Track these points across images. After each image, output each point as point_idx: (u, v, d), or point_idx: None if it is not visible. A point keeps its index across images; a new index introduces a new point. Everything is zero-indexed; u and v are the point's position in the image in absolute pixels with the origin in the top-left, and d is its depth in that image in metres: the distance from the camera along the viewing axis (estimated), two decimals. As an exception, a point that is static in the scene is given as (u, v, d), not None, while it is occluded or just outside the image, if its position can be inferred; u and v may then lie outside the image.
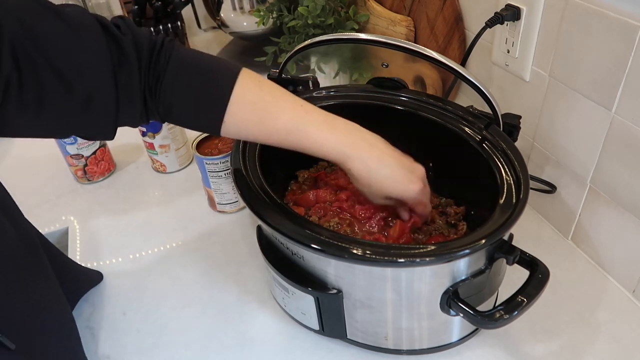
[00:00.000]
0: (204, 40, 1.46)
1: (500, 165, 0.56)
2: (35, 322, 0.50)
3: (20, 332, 0.47)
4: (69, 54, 0.43)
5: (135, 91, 0.48)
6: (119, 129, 0.50)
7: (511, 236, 0.52)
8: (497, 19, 0.69)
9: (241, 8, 1.18)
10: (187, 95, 0.50)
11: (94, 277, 0.71)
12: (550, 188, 0.70)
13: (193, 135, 0.78)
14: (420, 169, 0.57)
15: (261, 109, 0.52)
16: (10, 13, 0.40)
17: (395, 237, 0.60)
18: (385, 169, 0.54)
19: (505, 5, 0.69)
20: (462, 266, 0.49)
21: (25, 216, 0.59)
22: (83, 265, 0.72)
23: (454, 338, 0.57)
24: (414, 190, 0.55)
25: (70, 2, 1.27)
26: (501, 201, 0.51)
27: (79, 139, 0.84)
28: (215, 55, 1.14)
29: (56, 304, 0.54)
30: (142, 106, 0.49)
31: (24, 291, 0.49)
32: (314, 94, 0.70)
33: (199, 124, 0.54)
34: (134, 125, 0.52)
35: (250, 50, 1.27)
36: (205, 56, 0.52)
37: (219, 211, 0.81)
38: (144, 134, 0.87)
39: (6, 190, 0.57)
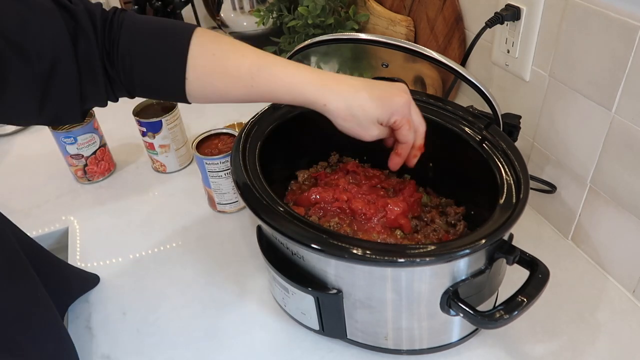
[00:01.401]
0: (204, 40, 1.46)
1: (500, 165, 0.56)
2: (12, 324, 0.49)
3: None
4: (25, 28, 0.43)
5: (95, 60, 0.47)
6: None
7: (511, 236, 0.52)
8: (497, 19, 0.69)
9: (241, 8, 1.18)
10: (145, 57, 0.49)
11: (89, 280, 0.70)
12: (550, 188, 0.70)
13: (193, 135, 0.78)
14: (401, 84, 0.55)
15: (222, 56, 0.50)
16: None
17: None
18: (362, 92, 0.52)
19: (505, 5, 0.69)
20: (462, 266, 0.49)
21: (25, 216, 0.59)
22: (82, 266, 0.72)
23: (454, 338, 0.57)
24: (401, 102, 0.53)
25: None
26: (501, 201, 0.51)
27: (79, 138, 0.84)
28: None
29: (37, 306, 0.53)
30: (104, 76, 0.48)
31: None
32: (314, 94, 0.70)
33: (164, 87, 0.52)
34: (101, 103, 0.51)
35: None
36: (157, 19, 0.51)
37: (219, 211, 0.81)
38: (144, 134, 0.87)
39: None
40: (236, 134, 0.75)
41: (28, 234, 0.61)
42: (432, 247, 0.47)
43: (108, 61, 0.48)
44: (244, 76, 0.51)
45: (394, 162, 0.58)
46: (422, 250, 0.46)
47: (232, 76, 0.51)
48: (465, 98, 0.89)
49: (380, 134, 0.55)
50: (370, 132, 0.54)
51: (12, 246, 0.52)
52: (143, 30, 0.49)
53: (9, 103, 0.45)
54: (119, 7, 0.50)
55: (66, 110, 0.48)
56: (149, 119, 0.84)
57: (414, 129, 0.56)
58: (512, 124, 0.62)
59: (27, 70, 0.43)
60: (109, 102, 0.52)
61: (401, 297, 0.50)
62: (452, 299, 0.49)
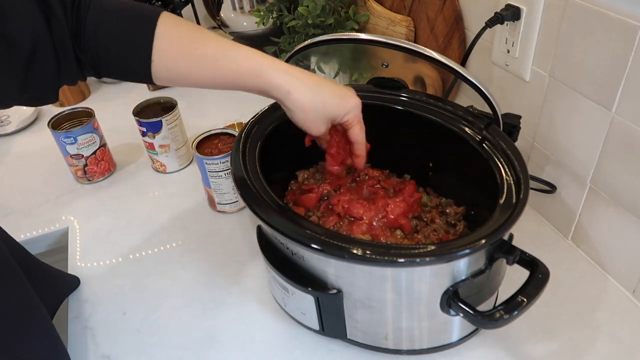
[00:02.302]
0: (204, 40, 1.46)
1: (500, 165, 0.56)
2: (4, 329, 0.49)
3: None
4: (4, 12, 0.44)
5: (67, 41, 0.48)
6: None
7: (511, 236, 0.52)
8: (497, 19, 0.69)
9: (241, 8, 1.18)
10: (111, 38, 0.50)
11: (72, 282, 0.70)
12: (550, 188, 0.70)
13: (193, 135, 0.78)
14: (351, 88, 0.58)
15: (188, 40, 0.51)
16: None
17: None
18: (325, 87, 0.54)
19: (505, 5, 0.69)
20: (462, 266, 0.49)
21: (25, 216, 0.59)
22: (82, 266, 0.72)
23: (454, 338, 0.57)
24: (354, 103, 0.56)
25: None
26: (501, 201, 0.51)
27: (79, 138, 0.84)
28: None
29: (28, 311, 0.53)
30: (74, 58, 0.49)
31: None
32: (314, 94, 0.70)
33: (130, 68, 0.52)
34: (72, 82, 0.52)
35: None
36: (124, 1, 0.52)
37: (219, 211, 0.81)
38: (144, 134, 0.87)
39: None
40: (236, 134, 0.75)
41: (28, 234, 0.61)
42: (432, 247, 0.47)
43: (76, 43, 0.49)
44: (209, 60, 0.51)
45: (358, 162, 0.61)
46: (422, 250, 0.46)
47: (197, 59, 0.51)
48: (465, 98, 0.89)
49: (326, 131, 0.57)
50: (320, 128, 0.56)
51: (2, 250, 0.51)
52: (110, 12, 0.50)
53: None
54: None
55: (45, 91, 0.50)
56: (149, 119, 0.84)
57: (362, 127, 0.58)
58: (512, 124, 0.62)
59: (9, 53, 0.44)
60: (79, 82, 0.53)
61: (401, 297, 0.50)
62: (452, 299, 0.49)
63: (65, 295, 0.68)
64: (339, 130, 0.60)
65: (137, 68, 0.51)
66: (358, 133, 0.58)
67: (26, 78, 0.47)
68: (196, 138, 0.78)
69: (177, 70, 0.52)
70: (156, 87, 1.15)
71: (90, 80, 1.15)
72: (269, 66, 0.52)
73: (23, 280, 0.53)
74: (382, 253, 0.46)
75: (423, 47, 0.60)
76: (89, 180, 0.90)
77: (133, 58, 0.51)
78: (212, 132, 0.80)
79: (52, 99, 0.51)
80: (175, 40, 0.51)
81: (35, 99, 0.51)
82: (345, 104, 0.55)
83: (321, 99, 0.53)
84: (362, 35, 0.66)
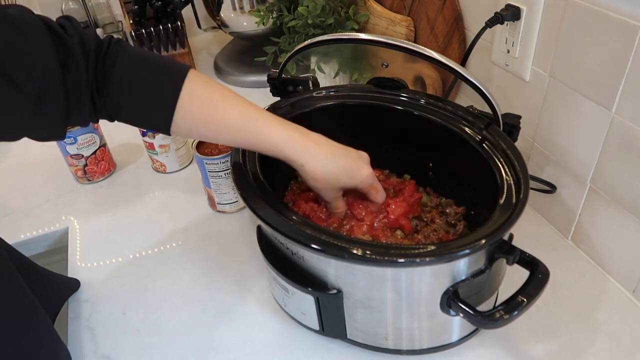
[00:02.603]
0: (204, 40, 1.46)
1: (500, 165, 0.56)
2: (3, 335, 0.49)
3: None
4: (15, 56, 0.43)
5: (83, 90, 0.48)
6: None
7: (511, 236, 0.52)
8: (497, 19, 0.69)
9: (241, 8, 1.18)
10: (135, 92, 0.50)
11: (71, 285, 0.70)
12: (550, 188, 0.70)
13: (193, 135, 0.78)
14: (364, 155, 0.59)
15: (211, 105, 0.52)
16: None
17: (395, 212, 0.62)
18: (338, 160, 0.56)
19: (505, 5, 0.69)
20: (462, 266, 0.49)
21: (25, 216, 0.59)
22: (82, 266, 0.72)
23: (454, 338, 0.57)
24: (366, 175, 0.58)
25: (70, 4, 1.27)
26: (501, 201, 0.51)
27: (79, 138, 0.84)
28: (216, 55, 1.14)
29: (28, 315, 0.53)
30: (90, 106, 0.49)
31: None
32: (314, 94, 0.70)
33: (149, 123, 0.54)
34: (84, 125, 0.52)
35: (250, 50, 1.27)
36: (152, 55, 0.52)
37: (219, 211, 0.81)
38: (144, 134, 0.87)
39: None
40: (236, 134, 0.75)
41: (28, 234, 0.61)
42: (432, 247, 0.47)
43: (97, 92, 0.49)
44: (229, 127, 0.53)
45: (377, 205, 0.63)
46: (422, 251, 0.46)
47: (218, 125, 0.53)
48: (465, 98, 0.89)
49: (337, 196, 0.60)
50: (331, 195, 0.59)
51: (1, 254, 0.51)
52: (138, 67, 0.50)
53: None
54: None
55: (50, 133, 0.49)
56: (149, 119, 0.84)
57: (381, 192, 0.61)
58: (512, 124, 0.62)
59: (15, 97, 0.43)
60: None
61: (401, 297, 0.50)
62: (452, 299, 0.49)
63: (64, 299, 0.68)
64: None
65: (158, 123, 0.52)
66: (374, 197, 0.61)
67: (30, 121, 0.46)
68: (196, 138, 0.78)
69: (197, 131, 0.53)
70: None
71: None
72: (287, 140, 0.54)
73: (21, 283, 0.53)
74: (382, 253, 0.46)
75: (423, 47, 0.60)
76: (89, 180, 0.90)
77: (155, 114, 0.51)
78: (212, 132, 0.80)
79: (59, 136, 0.50)
80: (198, 103, 0.51)
81: (40, 138, 0.50)
82: (354, 177, 0.58)
83: (333, 172, 0.56)
84: (362, 35, 0.66)
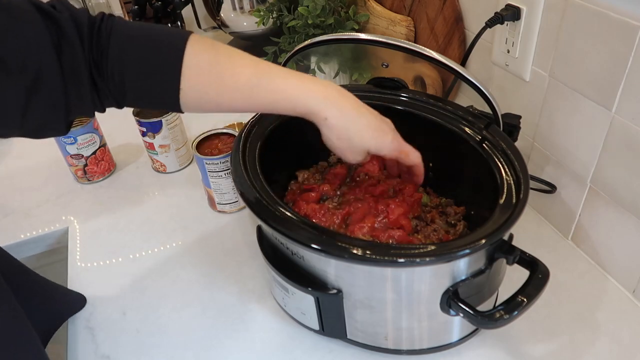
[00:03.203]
0: (204, 40, 1.46)
1: (500, 165, 0.56)
2: None
3: None
4: (5, 37, 0.41)
5: (81, 70, 0.45)
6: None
7: (511, 236, 0.52)
8: (497, 19, 0.69)
9: (241, 8, 1.18)
10: (136, 66, 0.46)
11: (76, 301, 0.67)
12: (550, 188, 0.70)
13: (193, 135, 0.78)
14: (388, 120, 0.56)
15: (219, 68, 0.48)
16: None
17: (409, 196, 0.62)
18: (363, 117, 0.52)
19: (505, 5, 0.69)
20: (462, 266, 0.49)
21: (25, 216, 0.58)
22: (82, 266, 0.72)
23: (454, 338, 0.57)
24: (390, 139, 0.54)
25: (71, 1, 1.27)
26: (501, 201, 0.51)
27: (79, 138, 0.84)
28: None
29: (12, 332, 0.48)
30: (91, 87, 0.46)
31: None
32: (314, 94, 0.70)
33: (156, 98, 0.49)
34: (88, 114, 0.48)
35: (250, 50, 1.26)
36: (149, 25, 0.49)
37: (219, 211, 0.81)
38: (144, 134, 0.87)
39: None
40: (236, 134, 0.75)
41: (28, 234, 0.61)
42: (432, 247, 0.47)
43: (96, 71, 0.46)
44: (242, 87, 0.49)
45: (417, 180, 0.62)
46: (422, 250, 0.46)
47: (229, 87, 0.49)
48: (465, 98, 0.90)
49: (364, 160, 0.56)
50: (357, 157, 0.55)
51: None
52: (134, 38, 0.46)
53: None
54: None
55: (50, 123, 0.46)
56: (149, 119, 0.84)
57: (412, 152, 0.58)
58: (512, 124, 0.62)
59: (8, 81, 0.41)
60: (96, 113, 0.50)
61: (401, 297, 0.51)
62: (452, 299, 0.49)
63: (64, 317, 0.65)
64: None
65: (165, 98, 0.48)
66: (406, 159, 0.58)
67: (27, 109, 0.43)
68: (196, 138, 0.78)
69: (207, 98, 0.49)
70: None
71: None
72: (307, 92, 0.50)
73: (12, 306, 0.49)
74: (382, 253, 0.46)
75: (423, 47, 0.60)
76: (89, 180, 0.90)
77: (160, 88, 0.48)
78: (212, 132, 0.80)
79: (61, 131, 0.47)
80: (205, 67, 0.47)
81: (40, 131, 0.47)
82: (380, 140, 0.54)
83: (358, 129, 0.51)
84: (362, 35, 0.66)
